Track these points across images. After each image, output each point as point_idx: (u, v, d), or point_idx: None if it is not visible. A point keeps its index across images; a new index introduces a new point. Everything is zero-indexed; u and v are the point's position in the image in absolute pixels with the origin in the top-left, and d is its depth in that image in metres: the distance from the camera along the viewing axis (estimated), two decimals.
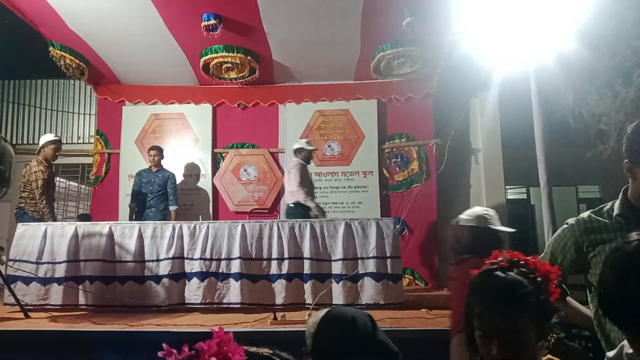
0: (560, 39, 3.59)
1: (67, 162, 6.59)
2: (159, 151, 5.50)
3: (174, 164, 6.08)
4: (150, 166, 5.52)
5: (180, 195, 5.93)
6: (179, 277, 3.99)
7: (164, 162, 5.58)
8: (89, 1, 4.49)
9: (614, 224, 1.50)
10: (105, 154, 6.28)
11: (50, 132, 6.57)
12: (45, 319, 3.66)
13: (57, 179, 6.51)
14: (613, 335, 1.46)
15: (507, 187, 6.31)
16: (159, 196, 5.43)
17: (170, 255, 4.01)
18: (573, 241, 1.60)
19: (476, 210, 2.38)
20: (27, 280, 3.96)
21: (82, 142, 6.75)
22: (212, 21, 4.65)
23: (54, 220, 4.67)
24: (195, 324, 3.33)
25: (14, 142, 6.74)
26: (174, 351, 0.71)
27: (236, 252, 4.00)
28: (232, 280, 4.00)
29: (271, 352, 0.86)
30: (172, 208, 5.43)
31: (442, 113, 5.94)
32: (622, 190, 1.52)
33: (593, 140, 4.36)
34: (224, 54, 5.27)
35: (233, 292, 3.97)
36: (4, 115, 6.85)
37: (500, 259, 1.18)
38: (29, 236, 4.10)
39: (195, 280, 3.98)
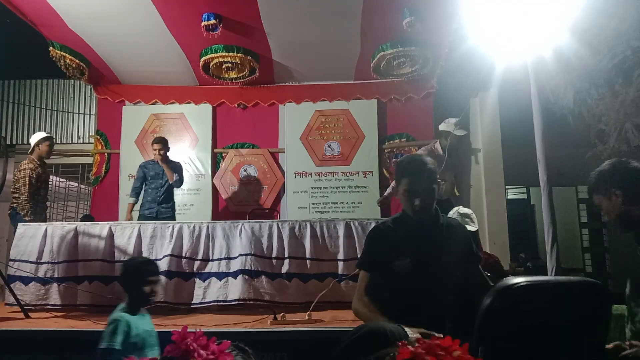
0: (560, 38, 3.58)
1: (67, 162, 6.60)
2: (164, 145, 5.04)
3: None
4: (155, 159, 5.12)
5: (179, 196, 5.93)
6: (179, 277, 3.99)
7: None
8: (89, 1, 4.49)
9: None
10: (105, 154, 6.28)
11: (51, 132, 6.58)
12: (45, 319, 3.66)
13: (57, 178, 6.54)
14: None
15: (507, 187, 6.31)
16: (169, 190, 5.08)
17: (171, 255, 4.01)
18: None
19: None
20: (25, 280, 3.96)
21: (82, 142, 6.74)
22: (212, 21, 4.65)
23: (40, 220, 4.59)
24: (196, 324, 3.33)
25: (14, 142, 6.74)
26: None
27: (236, 252, 4.00)
28: (232, 280, 4.00)
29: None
30: (175, 176, 4.99)
31: (442, 113, 5.92)
32: None
33: (593, 140, 4.35)
34: (224, 53, 5.26)
35: (234, 291, 3.97)
36: (4, 115, 6.85)
37: None
38: (29, 236, 4.10)
39: (196, 280, 3.98)
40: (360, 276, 2.02)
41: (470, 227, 2.97)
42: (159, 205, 5.03)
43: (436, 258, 1.90)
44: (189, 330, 0.81)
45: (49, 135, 5.03)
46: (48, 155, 4.93)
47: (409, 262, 1.88)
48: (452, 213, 3.24)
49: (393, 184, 4.96)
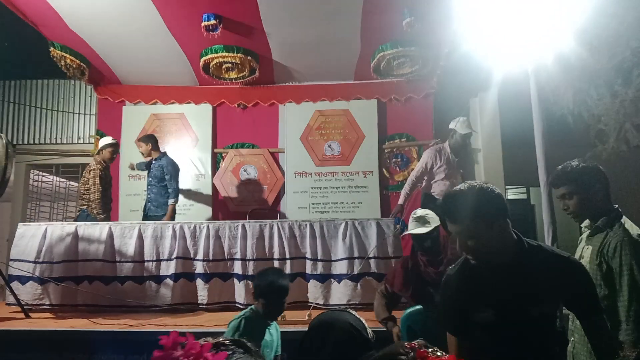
0: (559, 39, 3.58)
1: (67, 162, 6.60)
2: (145, 141, 5.16)
3: None
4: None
5: (179, 196, 5.91)
6: (180, 277, 3.99)
7: (169, 153, 5.30)
8: (89, 1, 4.49)
9: None
10: None
11: (51, 132, 6.68)
12: (45, 319, 3.67)
13: (57, 178, 6.56)
14: None
15: (507, 187, 6.30)
16: (158, 188, 5.02)
17: (171, 256, 4.02)
18: None
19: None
20: (23, 280, 3.96)
21: (82, 142, 6.73)
22: (212, 21, 4.65)
23: (107, 220, 4.73)
24: (196, 324, 3.34)
25: (14, 142, 6.73)
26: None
27: (237, 253, 4.01)
28: (234, 280, 4.00)
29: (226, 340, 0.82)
30: (169, 201, 4.94)
31: (442, 113, 5.93)
32: None
33: (593, 140, 4.36)
34: (224, 54, 5.26)
35: (235, 292, 3.98)
36: (4, 115, 6.85)
37: None
38: (29, 236, 4.11)
39: (196, 280, 3.99)
40: (448, 341, 1.66)
41: None
42: (149, 202, 5.07)
43: (527, 303, 1.51)
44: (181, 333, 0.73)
45: (114, 142, 5.18)
46: (109, 160, 5.11)
47: (497, 310, 1.53)
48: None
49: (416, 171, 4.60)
